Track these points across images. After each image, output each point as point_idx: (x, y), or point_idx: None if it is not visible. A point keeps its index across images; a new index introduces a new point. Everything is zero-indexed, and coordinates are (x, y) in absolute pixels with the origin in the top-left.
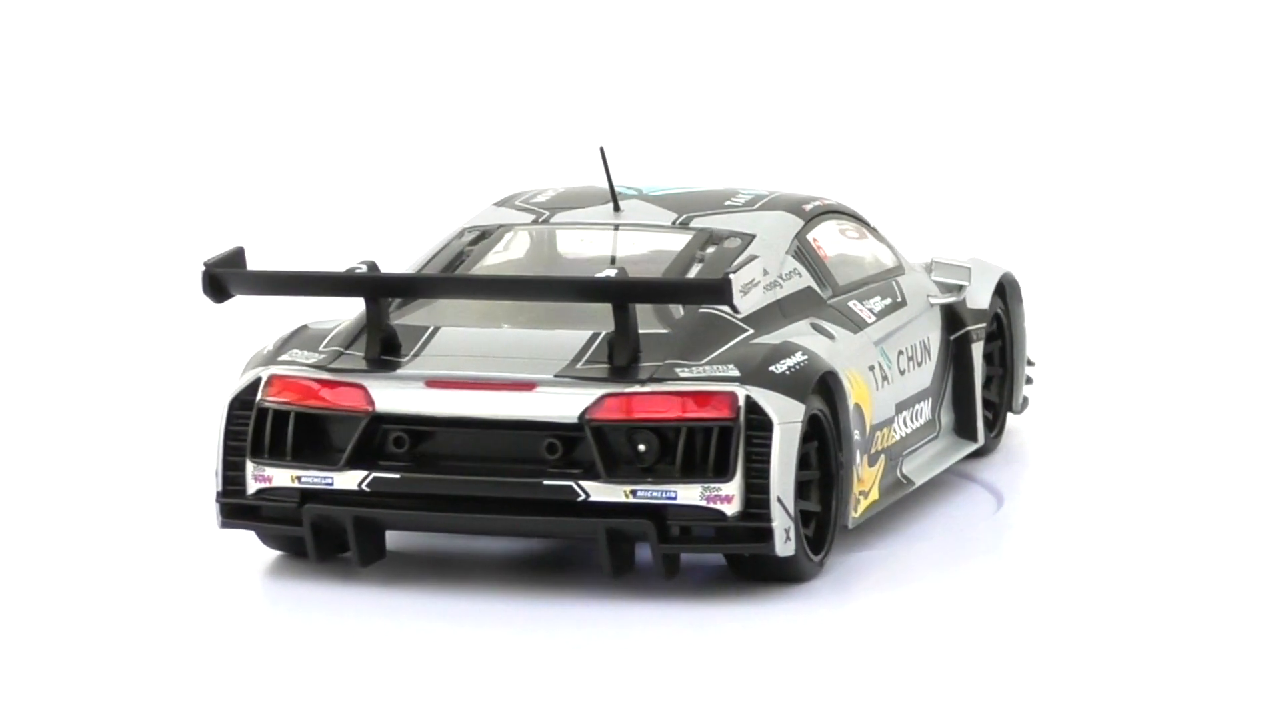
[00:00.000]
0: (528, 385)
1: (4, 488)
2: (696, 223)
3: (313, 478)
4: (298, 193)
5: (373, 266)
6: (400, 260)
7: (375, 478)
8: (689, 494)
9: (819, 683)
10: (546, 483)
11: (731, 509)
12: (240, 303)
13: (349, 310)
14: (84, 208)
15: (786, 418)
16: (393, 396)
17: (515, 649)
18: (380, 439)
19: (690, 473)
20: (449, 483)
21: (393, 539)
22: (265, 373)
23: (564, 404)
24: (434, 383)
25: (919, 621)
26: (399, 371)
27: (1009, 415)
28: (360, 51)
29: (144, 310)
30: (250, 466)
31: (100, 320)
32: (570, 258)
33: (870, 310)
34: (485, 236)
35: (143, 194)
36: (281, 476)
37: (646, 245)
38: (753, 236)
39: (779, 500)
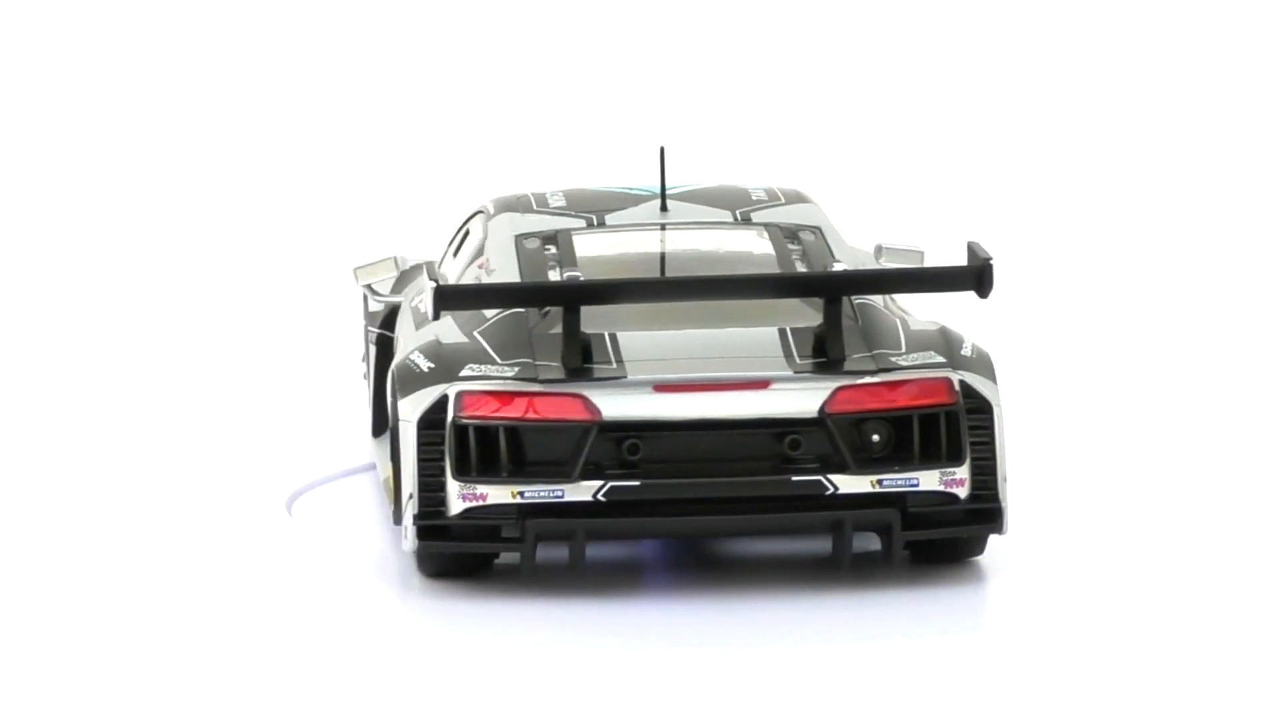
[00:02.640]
0: (761, 384)
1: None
2: (755, 218)
3: (538, 492)
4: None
5: (573, 277)
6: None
7: (613, 487)
8: (929, 480)
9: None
10: (795, 479)
11: (963, 492)
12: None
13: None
14: (82, 207)
15: (997, 399)
16: (620, 404)
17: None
18: (603, 448)
19: (924, 459)
20: (694, 486)
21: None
22: (452, 390)
23: (801, 400)
24: (662, 387)
25: (925, 618)
26: (626, 379)
27: None
28: (338, 52)
29: (141, 310)
30: (456, 486)
31: (96, 321)
32: (676, 256)
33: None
34: (549, 243)
35: (144, 194)
36: (499, 493)
37: (728, 243)
38: (818, 228)
39: (1004, 480)
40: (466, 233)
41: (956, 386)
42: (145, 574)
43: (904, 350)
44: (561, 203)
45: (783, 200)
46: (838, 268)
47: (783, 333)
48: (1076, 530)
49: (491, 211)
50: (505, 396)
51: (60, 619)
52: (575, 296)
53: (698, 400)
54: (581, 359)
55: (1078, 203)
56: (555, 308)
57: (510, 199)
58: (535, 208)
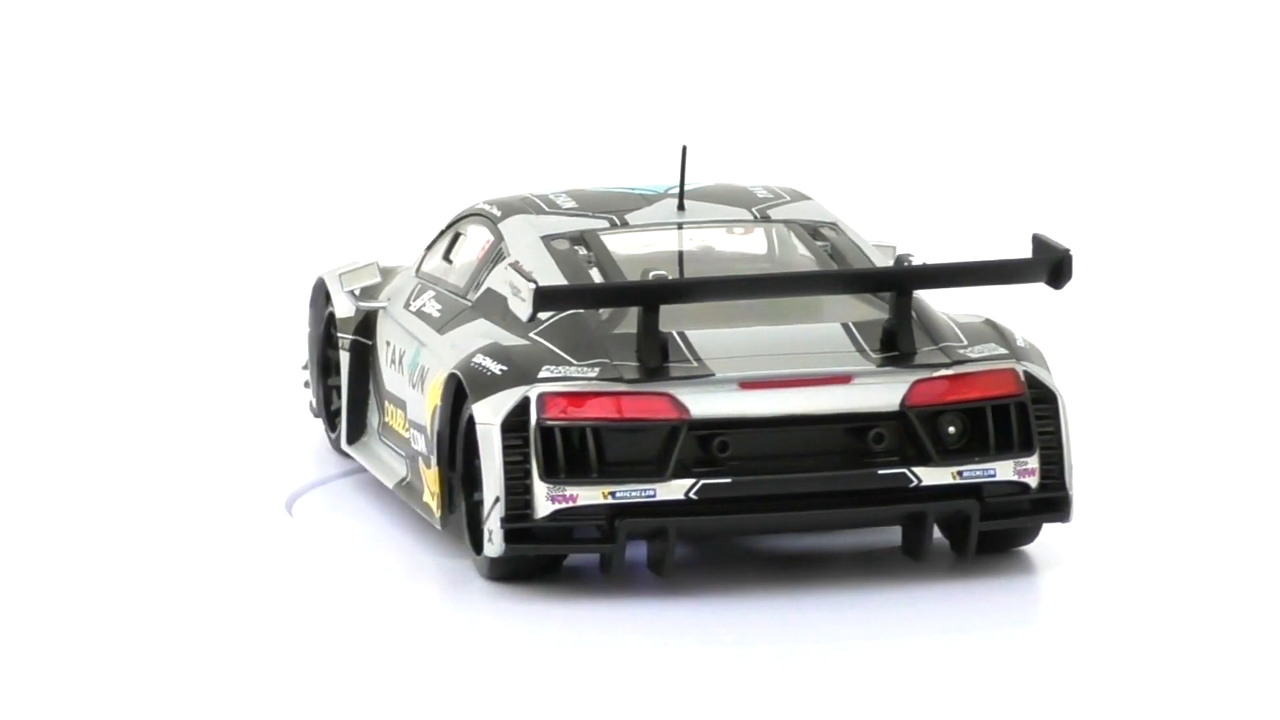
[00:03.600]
0: (844, 378)
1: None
2: (772, 215)
3: (630, 492)
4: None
5: (658, 277)
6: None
7: (704, 484)
8: (1005, 470)
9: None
10: (880, 472)
11: (1034, 481)
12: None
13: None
14: (82, 211)
15: (1057, 388)
16: (708, 402)
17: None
18: (689, 446)
19: (997, 449)
20: (784, 482)
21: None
22: (533, 392)
23: (882, 393)
24: (748, 384)
25: (981, 612)
26: (713, 376)
27: None
28: (333, 53)
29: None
30: (544, 488)
31: (95, 322)
32: (706, 255)
33: None
34: (577, 243)
35: (144, 196)
36: (589, 494)
37: (758, 241)
38: (835, 224)
39: (1071, 468)
40: (457, 235)
41: (1022, 377)
42: (147, 575)
43: (965, 343)
44: (572, 204)
45: (786, 198)
46: (913, 262)
47: (847, 327)
48: (1125, 521)
49: (497, 214)
50: (590, 397)
51: (62, 621)
52: (668, 294)
53: (783, 396)
54: (660, 358)
55: (1069, 204)
56: (613, 308)
57: (514, 201)
58: (548, 209)
